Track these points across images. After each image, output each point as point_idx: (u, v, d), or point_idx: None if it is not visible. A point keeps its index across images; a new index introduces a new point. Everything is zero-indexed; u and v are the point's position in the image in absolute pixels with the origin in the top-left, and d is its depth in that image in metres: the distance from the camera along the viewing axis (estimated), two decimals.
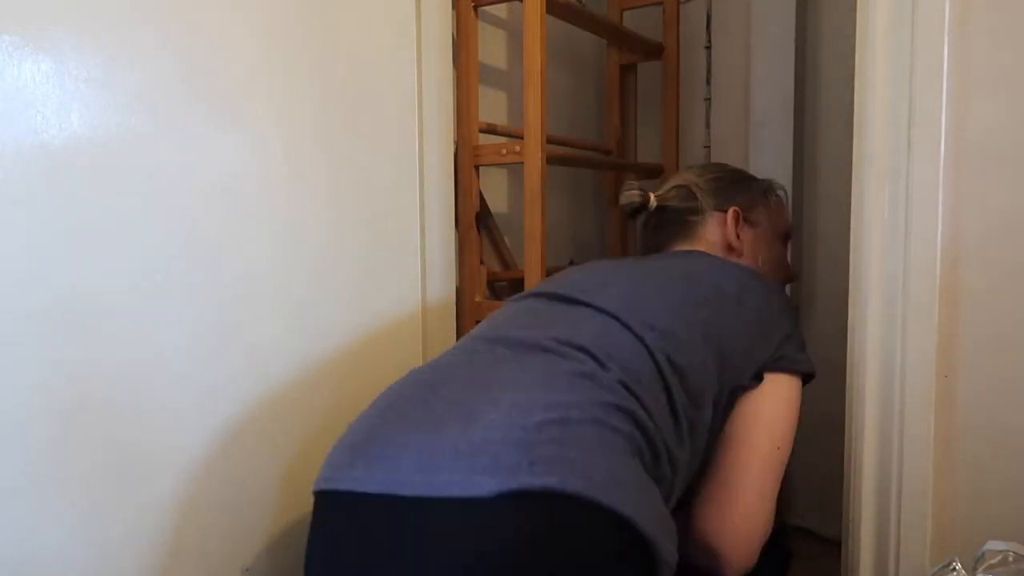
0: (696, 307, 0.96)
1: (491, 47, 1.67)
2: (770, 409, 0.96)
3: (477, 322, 1.46)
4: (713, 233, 1.18)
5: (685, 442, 0.87)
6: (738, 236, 1.17)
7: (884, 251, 0.87)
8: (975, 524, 0.83)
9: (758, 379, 0.97)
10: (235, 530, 0.99)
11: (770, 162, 1.80)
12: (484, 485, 0.69)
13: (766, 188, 1.26)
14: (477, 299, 1.46)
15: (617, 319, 0.91)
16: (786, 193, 1.31)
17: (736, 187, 1.22)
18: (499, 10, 1.68)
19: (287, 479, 1.05)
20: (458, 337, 1.38)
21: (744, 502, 0.92)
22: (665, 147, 1.87)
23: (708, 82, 1.96)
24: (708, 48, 1.95)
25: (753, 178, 1.27)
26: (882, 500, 0.89)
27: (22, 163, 0.77)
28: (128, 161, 0.86)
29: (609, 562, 0.70)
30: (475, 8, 1.43)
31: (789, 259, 1.31)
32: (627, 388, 0.82)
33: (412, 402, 0.82)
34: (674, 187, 1.22)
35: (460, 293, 1.44)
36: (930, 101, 0.82)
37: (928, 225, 0.83)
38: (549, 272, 1.44)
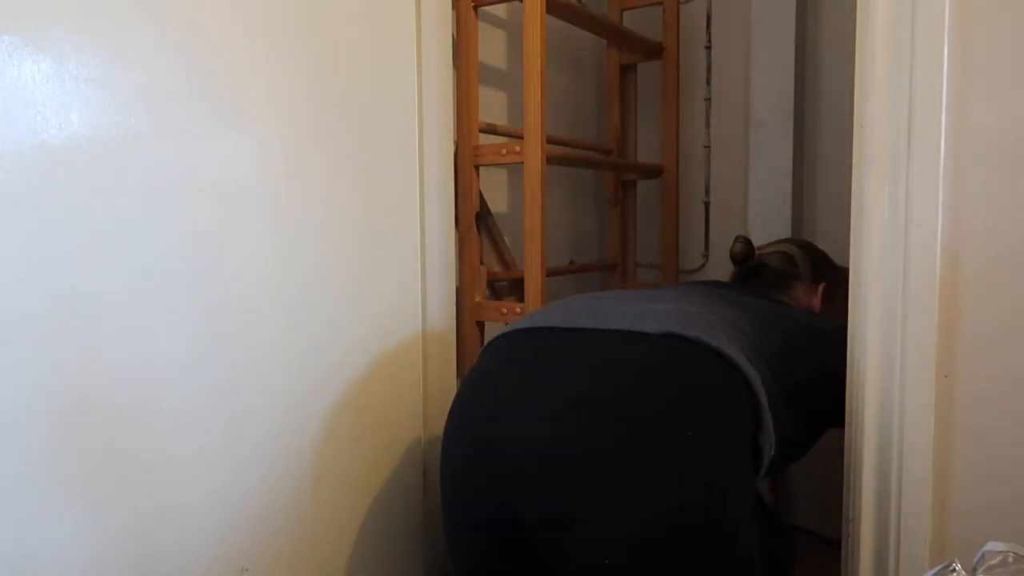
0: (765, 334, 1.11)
1: (491, 47, 1.67)
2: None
3: (477, 322, 1.47)
4: (799, 298, 1.35)
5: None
6: (818, 307, 1.35)
7: (884, 251, 0.87)
8: (975, 524, 0.83)
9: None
10: (235, 530, 0.99)
11: (770, 162, 1.80)
12: (648, 326, 0.91)
13: (844, 276, 1.34)
14: (477, 299, 1.46)
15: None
16: None
17: (826, 267, 1.40)
18: (499, 10, 1.68)
19: (287, 479, 1.05)
20: (458, 337, 1.38)
21: None
22: (665, 147, 1.87)
23: (708, 82, 1.96)
24: (708, 48, 1.95)
25: (835, 264, 1.43)
26: (882, 500, 0.89)
27: (22, 163, 0.77)
28: (128, 161, 0.86)
29: (728, 390, 0.89)
30: (475, 8, 1.43)
31: None
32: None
33: (574, 300, 1.04)
34: (776, 252, 1.42)
35: (460, 293, 1.44)
36: (930, 101, 0.82)
37: (928, 225, 0.83)
38: (549, 273, 1.44)
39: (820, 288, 1.35)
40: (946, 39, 0.81)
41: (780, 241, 1.50)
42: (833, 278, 1.38)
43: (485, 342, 1.07)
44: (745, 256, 1.40)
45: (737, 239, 1.42)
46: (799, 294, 1.35)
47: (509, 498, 0.85)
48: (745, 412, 0.89)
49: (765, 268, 1.39)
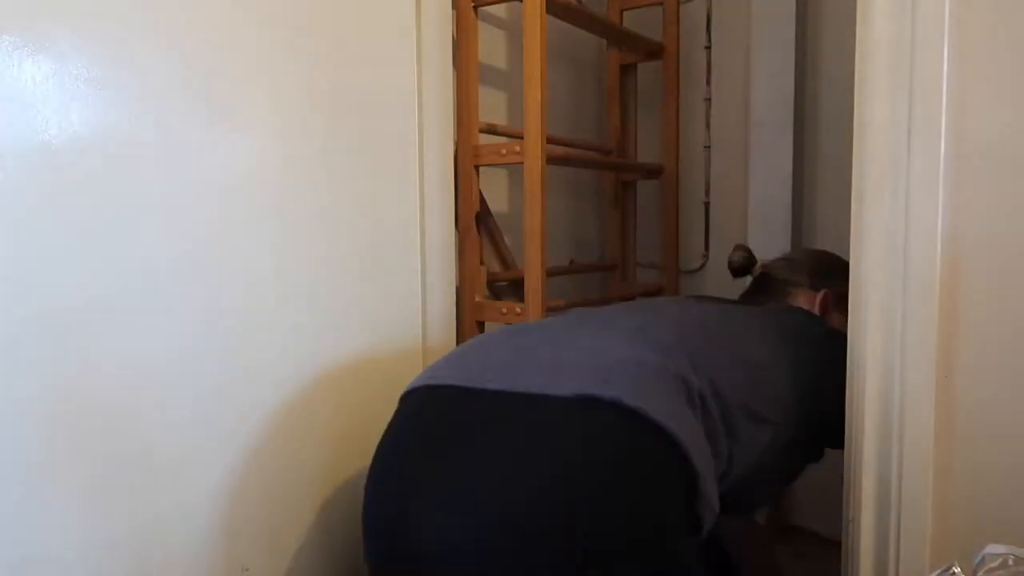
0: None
1: (491, 47, 1.67)
2: None
3: (478, 322, 1.47)
4: (802, 306, 1.30)
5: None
6: (819, 314, 1.29)
7: (884, 251, 0.87)
8: (975, 524, 0.83)
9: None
10: (235, 531, 0.99)
11: (770, 162, 1.80)
12: (562, 388, 0.81)
13: None
14: (477, 299, 1.46)
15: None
16: None
17: (833, 275, 1.30)
18: (499, 10, 1.68)
19: (287, 478, 1.05)
20: (458, 337, 1.38)
21: None
22: (665, 147, 1.87)
23: (708, 82, 1.96)
24: (708, 48, 1.95)
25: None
26: (882, 500, 0.89)
27: (22, 163, 0.77)
28: (128, 161, 0.86)
29: (656, 469, 0.80)
30: (475, 8, 1.43)
31: None
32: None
33: (497, 340, 0.96)
34: (782, 258, 1.39)
35: (460, 293, 1.44)
36: (930, 102, 0.82)
37: (928, 225, 0.83)
38: (549, 273, 1.44)
39: (820, 296, 1.31)
40: (946, 39, 0.81)
41: (794, 250, 1.50)
42: (842, 287, 1.36)
43: None
44: (744, 266, 1.37)
45: (736, 248, 1.39)
46: (800, 302, 1.33)
47: None
48: (672, 484, 0.80)
49: (767, 278, 1.37)
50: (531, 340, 0.93)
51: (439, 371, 0.93)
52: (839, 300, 1.29)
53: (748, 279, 1.45)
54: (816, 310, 1.30)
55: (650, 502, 0.78)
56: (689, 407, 0.84)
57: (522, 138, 1.39)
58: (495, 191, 1.68)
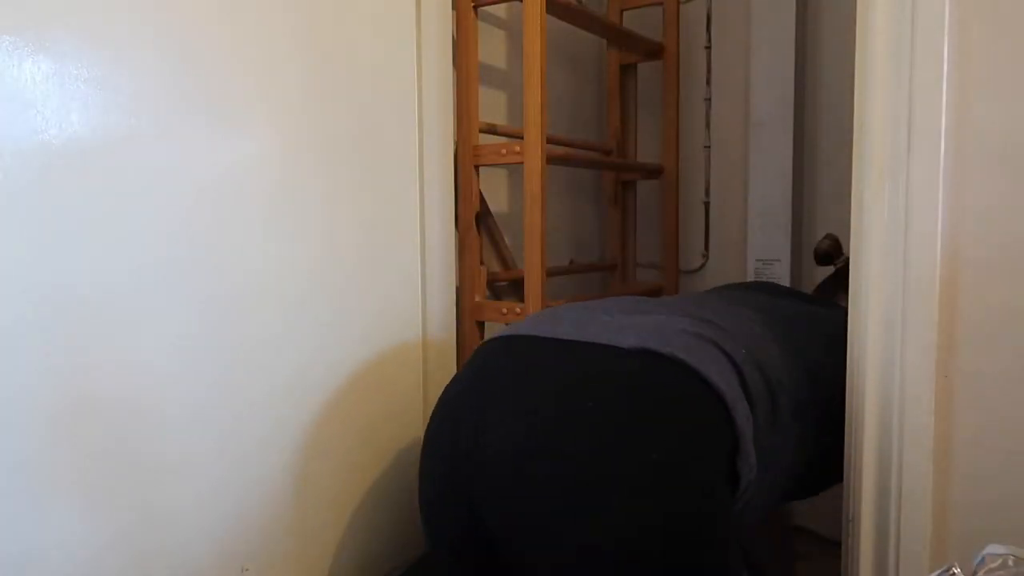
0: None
1: (491, 47, 1.67)
2: None
3: (477, 322, 1.47)
4: None
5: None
6: None
7: (884, 251, 0.87)
8: (975, 524, 0.83)
9: None
10: (235, 530, 0.99)
11: (770, 162, 1.80)
12: (626, 340, 0.88)
13: None
14: (477, 299, 1.46)
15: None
16: None
17: None
18: (499, 10, 1.68)
19: (287, 478, 1.05)
20: (458, 337, 1.38)
21: None
22: (665, 147, 1.87)
23: (708, 82, 1.96)
24: (708, 48, 1.95)
25: None
26: (882, 500, 0.89)
27: (22, 163, 0.77)
28: (128, 161, 0.86)
29: (705, 417, 0.85)
30: (475, 8, 1.43)
31: None
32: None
33: (565, 308, 1.02)
34: None
35: (460, 293, 1.44)
36: (930, 101, 0.82)
37: (928, 225, 0.83)
38: (549, 273, 1.44)
39: None
40: (946, 39, 0.81)
41: None
42: None
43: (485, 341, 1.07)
44: (829, 253, 1.29)
45: (826, 236, 1.31)
46: None
47: (480, 508, 0.84)
48: (719, 435, 0.85)
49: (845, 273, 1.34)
50: (595, 313, 1.00)
51: (513, 328, 1.00)
52: None
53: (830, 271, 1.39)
54: None
55: (692, 440, 0.84)
56: (739, 382, 0.89)
57: (522, 138, 1.39)
58: (495, 191, 1.68)
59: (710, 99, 1.97)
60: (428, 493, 0.92)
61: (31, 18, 0.78)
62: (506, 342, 0.97)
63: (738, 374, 0.90)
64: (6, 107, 0.76)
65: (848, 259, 1.22)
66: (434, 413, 0.96)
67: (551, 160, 1.42)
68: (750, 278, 1.80)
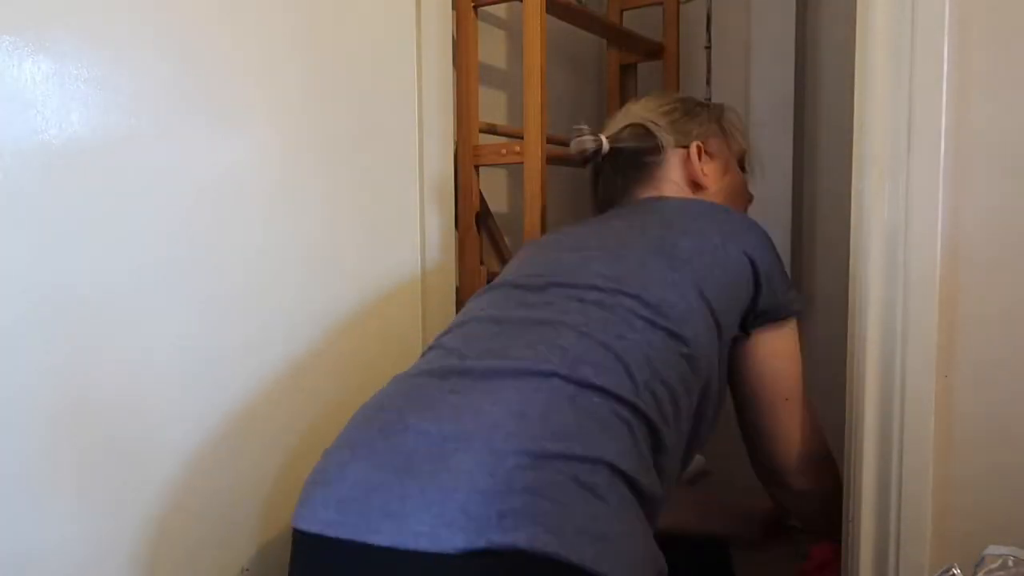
0: (684, 266, 0.94)
1: (491, 47, 1.67)
2: (775, 364, 1.01)
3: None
4: (677, 172, 1.14)
5: (682, 422, 0.89)
6: (703, 171, 1.13)
7: (884, 251, 0.87)
8: (975, 524, 0.83)
9: (752, 328, 0.99)
10: (235, 529, 0.99)
11: (770, 162, 1.79)
12: (452, 541, 0.67)
13: (719, 114, 1.21)
14: None
15: (605, 305, 0.88)
16: (738, 114, 1.26)
17: (691, 118, 1.17)
18: (499, 10, 1.68)
19: (287, 478, 1.05)
20: None
21: (783, 452, 1.02)
22: None
23: (708, 82, 1.96)
24: (708, 48, 1.95)
25: (703, 104, 1.22)
26: (882, 500, 0.89)
27: (22, 163, 0.77)
28: (128, 161, 0.86)
29: None
30: (475, 8, 1.43)
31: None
32: (627, 379, 0.81)
33: (385, 432, 0.80)
34: (627, 127, 1.16)
35: (460, 293, 1.44)
36: (930, 101, 0.82)
37: (928, 225, 0.83)
38: None
39: (692, 150, 1.12)
40: (946, 39, 0.81)
41: (624, 109, 1.24)
42: (702, 127, 1.15)
43: None
44: (595, 152, 1.13)
45: (577, 131, 1.14)
46: (671, 171, 1.13)
47: None
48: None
49: (620, 154, 1.15)
50: (421, 426, 0.77)
51: (323, 509, 0.77)
52: (706, 144, 1.14)
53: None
54: (695, 168, 1.12)
55: None
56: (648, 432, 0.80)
57: (522, 138, 1.38)
58: (495, 191, 1.68)
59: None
60: None
61: (31, 18, 0.78)
62: (316, 550, 0.77)
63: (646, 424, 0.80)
64: (6, 107, 0.76)
65: (612, 145, 1.12)
66: None
67: (551, 160, 1.42)
68: None
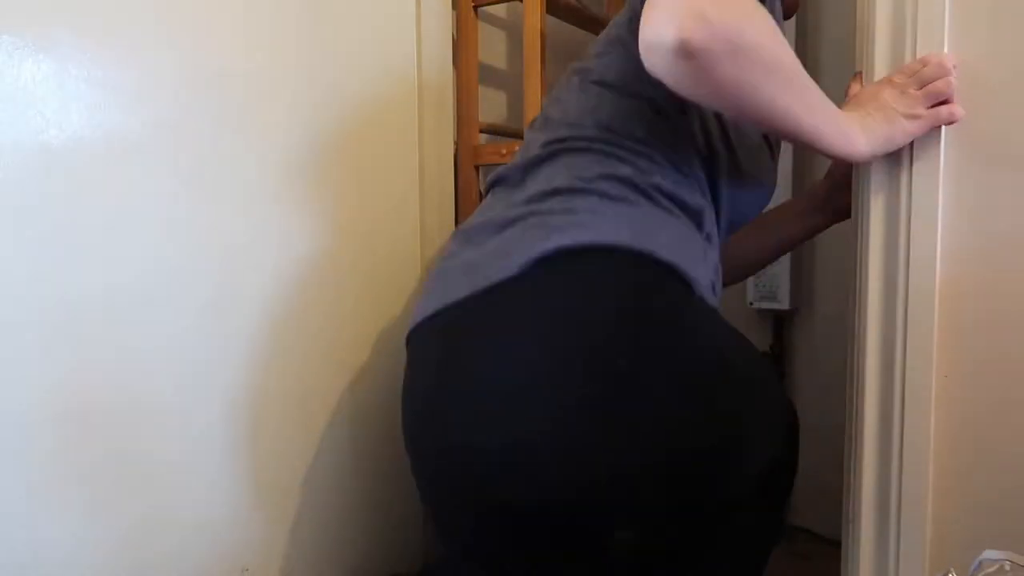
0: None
1: (491, 47, 1.67)
2: None
3: None
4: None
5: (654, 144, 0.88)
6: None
7: (884, 252, 0.87)
8: (975, 524, 0.83)
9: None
10: (235, 530, 0.99)
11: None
12: (509, 269, 0.77)
13: None
14: None
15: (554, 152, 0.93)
16: None
17: None
18: (499, 10, 1.68)
19: (287, 479, 1.05)
20: None
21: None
22: None
23: None
24: None
25: None
26: (882, 500, 0.89)
27: (22, 163, 0.77)
28: (128, 161, 0.86)
29: (641, 292, 0.77)
30: (475, 8, 1.43)
31: None
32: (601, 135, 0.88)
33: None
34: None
35: None
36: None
37: (928, 226, 0.83)
38: None
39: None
40: (946, 39, 0.81)
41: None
42: None
43: None
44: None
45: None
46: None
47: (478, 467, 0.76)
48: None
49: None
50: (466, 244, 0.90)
51: (421, 310, 0.89)
52: None
53: None
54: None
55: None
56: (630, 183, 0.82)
57: (522, 138, 1.38)
58: None
59: None
60: (428, 493, 0.87)
61: (31, 18, 0.78)
62: (413, 338, 0.88)
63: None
64: (6, 107, 0.76)
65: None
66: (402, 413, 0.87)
67: None
68: (750, 278, 1.79)
